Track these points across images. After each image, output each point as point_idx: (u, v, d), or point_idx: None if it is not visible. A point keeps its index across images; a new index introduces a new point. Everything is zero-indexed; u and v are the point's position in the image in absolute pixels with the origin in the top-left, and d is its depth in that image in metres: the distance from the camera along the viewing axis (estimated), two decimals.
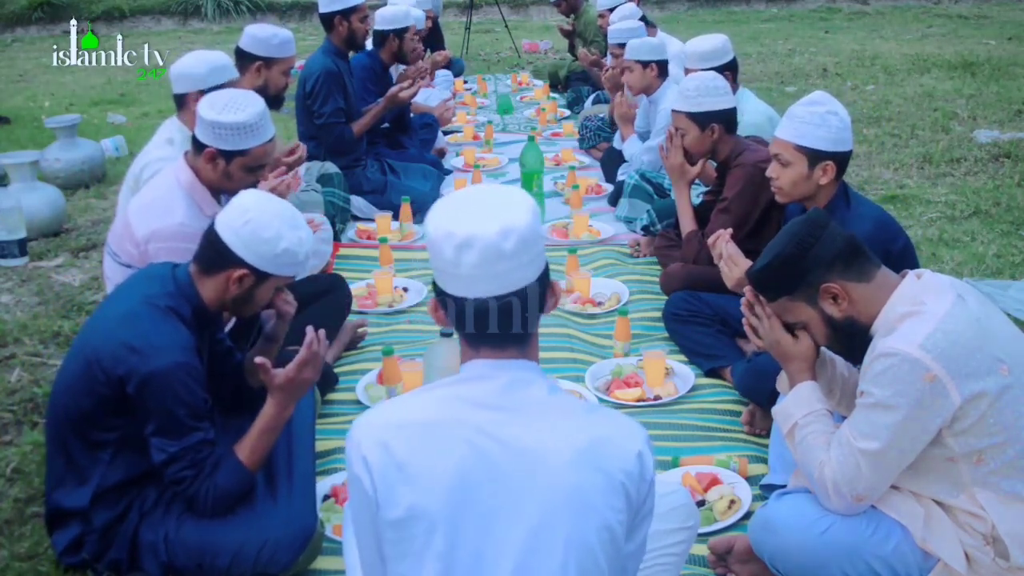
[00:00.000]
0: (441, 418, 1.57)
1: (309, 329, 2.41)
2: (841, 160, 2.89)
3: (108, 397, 2.27)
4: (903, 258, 2.81)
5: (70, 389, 2.34)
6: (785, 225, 2.29)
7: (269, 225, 2.32)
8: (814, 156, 2.87)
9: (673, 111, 3.86)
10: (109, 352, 2.26)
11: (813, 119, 2.86)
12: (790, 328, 2.30)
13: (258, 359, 2.38)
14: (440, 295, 1.62)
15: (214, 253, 2.35)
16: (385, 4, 6.39)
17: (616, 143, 5.44)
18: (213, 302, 2.40)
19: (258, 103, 2.95)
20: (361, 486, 1.56)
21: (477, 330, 1.59)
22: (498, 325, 1.58)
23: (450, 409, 1.57)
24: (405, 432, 1.56)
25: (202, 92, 3.28)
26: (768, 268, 2.23)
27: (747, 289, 2.38)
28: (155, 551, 2.34)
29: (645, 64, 4.90)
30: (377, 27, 5.65)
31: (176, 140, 3.34)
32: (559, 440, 1.55)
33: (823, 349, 2.37)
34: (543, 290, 1.61)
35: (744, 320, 2.40)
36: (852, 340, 2.19)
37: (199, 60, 3.44)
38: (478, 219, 1.54)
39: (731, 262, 2.97)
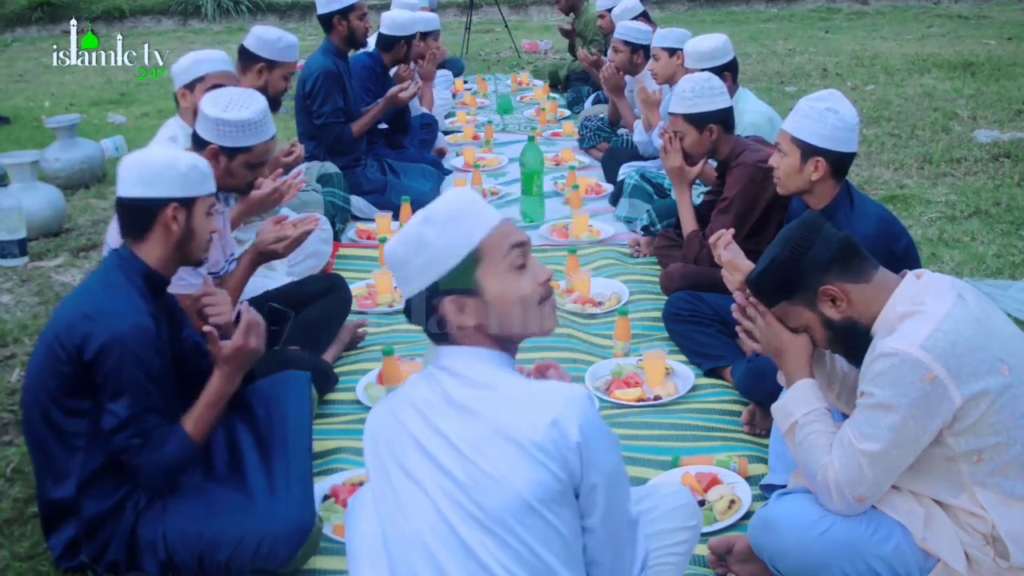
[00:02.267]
0: (406, 397, 1.80)
1: (242, 304, 2.47)
2: (836, 159, 2.89)
3: (70, 375, 2.27)
4: (906, 258, 2.81)
5: (38, 376, 2.35)
6: (779, 234, 2.29)
7: (159, 155, 2.42)
8: (806, 150, 2.90)
9: (670, 114, 3.86)
10: (66, 325, 2.29)
11: (812, 114, 2.89)
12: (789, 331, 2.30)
13: (206, 327, 2.41)
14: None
15: (135, 215, 2.39)
16: (386, 5, 6.41)
17: (638, 135, 5.42)
18: (159, 262, 2.41)
19: (260, 101, 2.97)
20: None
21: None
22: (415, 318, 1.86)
23: (421, 390, 1.79)
24: (384, 406, 1.84)
25: (186, 87, 3.35)
26: (765, 273, 2.23)
27: (737, 294, 2.39)
28: (154, 549, 2.34)
29: (672, 52, 4.87)
30: (385, 31, 5.65)
31: (179, 138, 3.35)
32: (483, 420, 1.67)
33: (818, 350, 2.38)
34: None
35: (738, 327, 2.40)
36: (853, 341, 2.19)
37: (191, 57, 3.45)
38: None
39: (732, 266, 2.96)
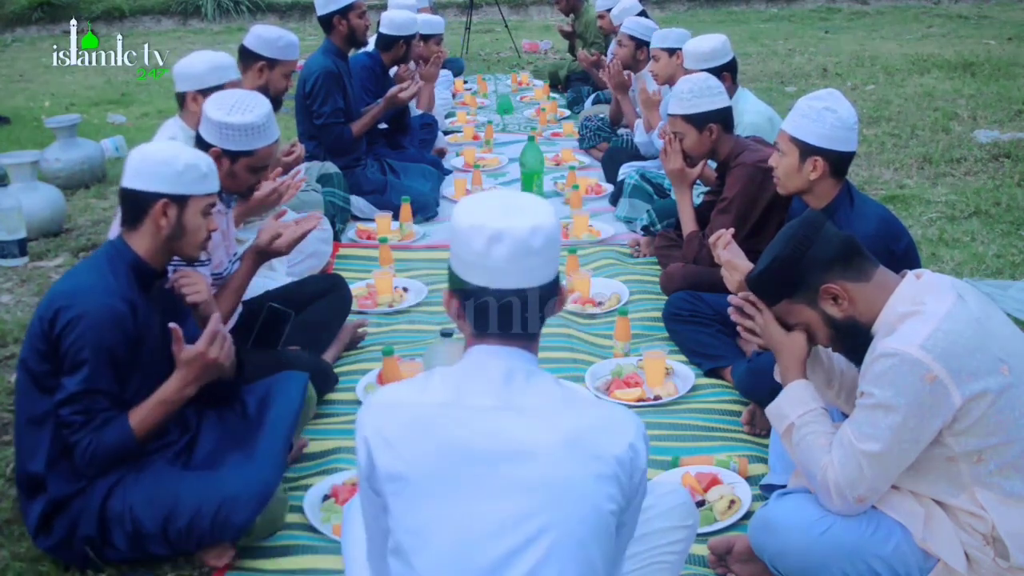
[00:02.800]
0: (438, 400, 1.64)
1: (216, 317, 2.47)
2: (835, 159, 2.89)
3: (43, 352, 2.32)
4: (906, 257, 2.81)
5: (24, 353, 2.41)
6: (780, 232, 2.29)
7: (161, 150, 2.46)
8: (805, 149, 2.90)
9: (669, 115, 3.86)
10: (47, 306, 2.34)
11: (810, 113, 2.89)
12: (789, 329, 2.30)
13: (171, 324, 2.41)
14: (458, 286, 1.67)
15: (130, 204, 2.44)
16: (385, 5, 6.41)
17: (639, 135, 5.42)
18: (149, 253, 2.45)
19: (265, 104, 2.97)
20: (360, 460, 1.66)
21: (483, 319, 1.65)
22: (511, 317, 1.65)
23: (444, 393, 1.64)
24: (398, 412, 1.65)
25: (200, 92, 3.30)
26: (767, 272, 2.23)
27: (731, 298, 2.39)
28: (122, 522, 2.38)
29: (672, 52, 4.87)
30: (385, 31, 5.65)
31: (179, 138, 3.35)
32: (551, 429, 1.59)
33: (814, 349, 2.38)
34: (556, 288, 1.69)
35: (739, 327, 2.40)
36: (854, 340, 2.19)
37: (200, 59, 3.44)
38: (511, 215, 1.62)
39: (731, 266, 2.97)
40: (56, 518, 2.41)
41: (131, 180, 2.43)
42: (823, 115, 2.87)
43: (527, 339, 1.68)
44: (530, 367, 1.67)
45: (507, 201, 1.67)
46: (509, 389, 1.63)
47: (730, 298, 2.41)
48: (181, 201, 2.42)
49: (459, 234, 1.64)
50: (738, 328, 2.41)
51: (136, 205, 2.43)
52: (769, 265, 2.22)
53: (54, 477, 2.38)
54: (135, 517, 2.37)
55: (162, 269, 2.51)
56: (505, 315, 1.64)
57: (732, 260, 2.96)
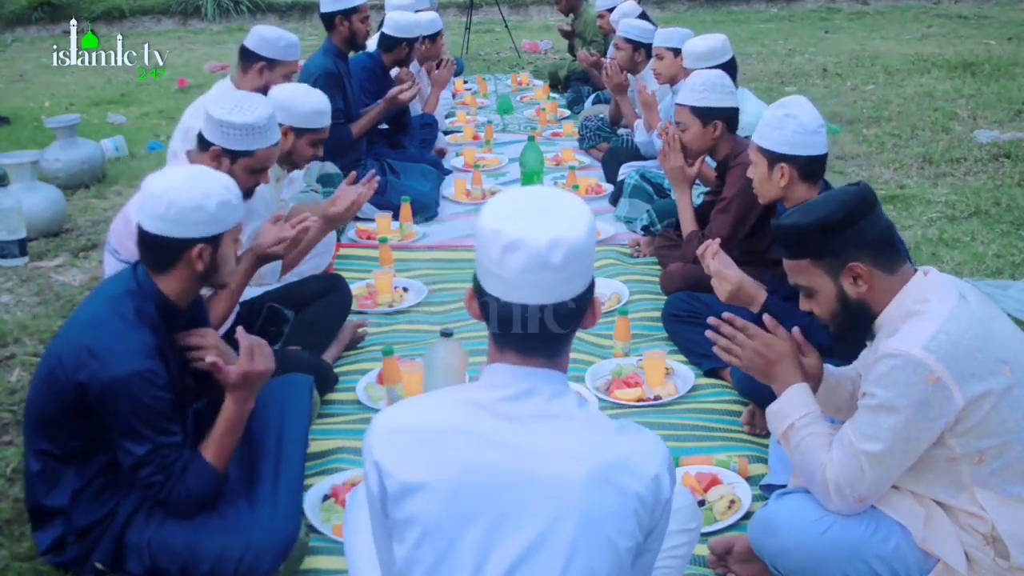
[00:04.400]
0: (451, 425, 1.54)
1: (240, 330, 2.39)
2: (802, 163, 2.91)
3: (71, 401, 2.26)
4: None
5: (39, 392, 2.34)
6: (828, 192, 2.25)
7: (189, 195, 2.28)
8: (771, 157, 2.95)
9: (677, 104, 3.88)
10: (71, 357, 2.25)
11: (772, 121, 2.95)
12: (790, 288, 2.28)
13: (209, 358, 2.34)
14: (479, 289, 1.58)
15: (162, 253, 2.32)
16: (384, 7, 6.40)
17: (639, 135, 5.42)
18: (178, 293, 2.37)
19: (267, 106, 2.98)
20: (371, 486, 1.58)
21: (507, 332, 1.55)
22: (530, 332, 1.54)
23: (462, 416, 1.55)
24: (414, 437, 1.55)
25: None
26: (807, 227, 2.15)
27: (711, 320, 2.37)
28: (139, 554, 2.34)
29: (676, 52, 4.85)
30: (388, 32, 5.64)
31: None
32: (573, 457, 1.51)
33: (827, 374, 2.36)
34: (584, 305, 1.57)
35: (715, 347, 2.37)
36: (855, 322, 2.18)
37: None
38: (532, 223, 1.50)
39: (722, 276, 2.92)
40: (72, 542, 2.37)
41: (158, 225, 2.29)
42: (784, 122, 2.91)
43: (550, 355, 1.57)
44: (554, 387, 1.56)
45: (539, 203, 1.54)
46: (523, 412, 1.53)
47: (710, 319, 2.38)
48: (216, 240, 2.35)
49: (479, 235, 1.53)
50: (714, 349, 2.39)
51: (167, 252, 2.31)
52: (813, 222, 2.14)
53: (78, 507, 2.34)
54: (152, 554, 2.33)
55: (186, 306, 2.43)
56: (516, 324, 1.53)
57: (722, 270, 2.92)
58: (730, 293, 2.87)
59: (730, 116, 3.77)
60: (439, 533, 1.50)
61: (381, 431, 1.59)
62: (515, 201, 1.56)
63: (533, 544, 1.49)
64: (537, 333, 1.54)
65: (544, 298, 1.52)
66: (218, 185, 2.35)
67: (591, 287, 1.58)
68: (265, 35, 4.10)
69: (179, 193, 2.28)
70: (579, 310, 1.56)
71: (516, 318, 1.53)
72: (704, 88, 3.74)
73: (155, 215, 2.29)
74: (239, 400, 2.37)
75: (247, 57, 4.08)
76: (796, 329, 2.36)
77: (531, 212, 1.52)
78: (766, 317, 2.36)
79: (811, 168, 2.93)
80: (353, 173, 3.85)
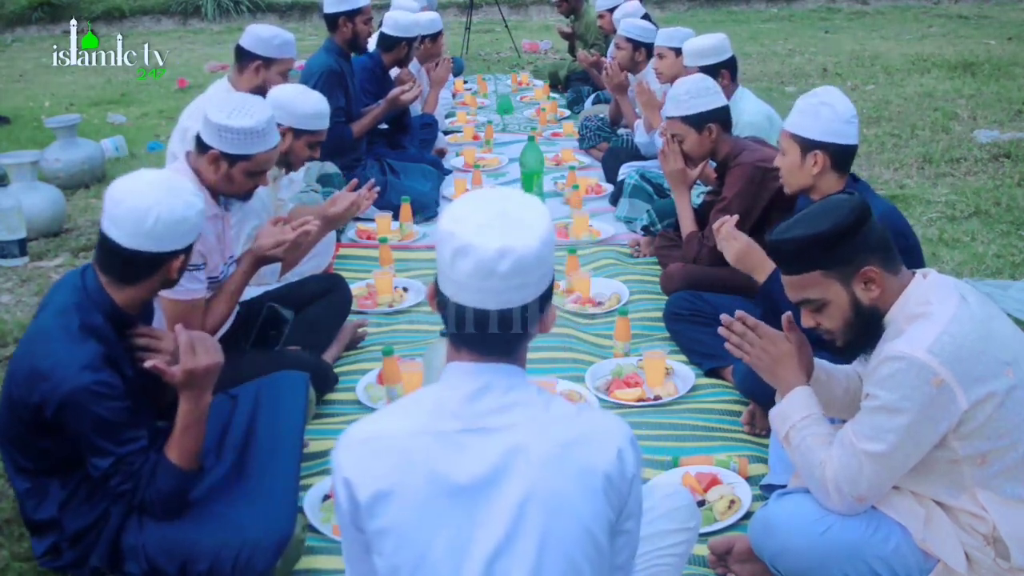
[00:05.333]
0: (413, 429, 1.55)
1: (178, 328, 2.35)
2: (836, 152, 2.90)
3: (32, 422, 2.26)
4: (910, 256, 2.80)
5: (4, 413, 2.34)
6: (823, 202, 2.23)
7: (171, 207, 2.25)
8: (804, 145, 2.92)
9: (668, 118, 3.85)
10: (22, 378, 2.25)
11: (806, 109, 2.93)
12: (796, 303, 2.27)
13: (148, 363, 2.28)
14: (437, 287, 1.61)
15: (140, 267, 2.29)
16: (386, 5, 6.40)
17: (639, 136, 5.42)
18: (134, 302, 2.34)
19: (266, 110, 2.96)
20: (341, 503, 1.58)
21: (461, 332, 1.57)
22: (482, 334, 1.55)
23: (425, 419, 1.56)
24: (378, 445, 1.56)
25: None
26: (817, 237, 2.10)
27: (723, 317, 2.37)
28: (136, 556, 2.35)
29: (678, 52, 4.82)
30: (388, 31, 5.64)
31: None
32: (534, 440, 1.53)
33: (818, 368, 2.36)
34: (534, 314, 1.57)
35: (727, 344, 2.37)
36: (868, 328, 2.16)
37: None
38: (485, 229, 1.50)
39: (732, 236, 3.02)
40: (67, 547, 2.38)
41: (143, 243, 2.24)
42: (819, 110, 2.90)
43: (504, 353, 1.58)
44: (510, 380, 1.57)
45: (498, 208, 1.53)
46: (481, 408, 1.54)
47: (723, 317, 2.38)
48: (188, 251, 2.36)
49: (437, 233, 1.56)
50: (726, 345, 2.39)
51: (146, 266, 2.28)
52: (824, 231, 2.10)
53: (68, 515, 2.35)
54: (149, 555, 2.34)
55: (137, 313, 2.39)
56: (467, 324, 1.55)
57: (733, 230, 3.00)
58: (738, 251, 2.93)
59: (722, 116, 3.77)
60: (414, 537, 1.51)
61: (346, 445, 1.59)
62: (476, 204, 1.56)
63: (505, 536, 1.50)
64: (492, 334, 1.55)
65: (492, 303, 1.52)
66: (189, 193, 2.34)
67: (546, 295, 1.58)
68: (260, 34, 4.09)
69: (163, 208, 2.24)
70: (528, 319, 1.56)
71: (469, 319, 1.54)
72: (689, 95, 3.73)
73: (139, 232, 2.24)
74: (190, 399, 2.33)
75: (243, 56, 4.08)
76: (788, 314, 2.35)
77: (489, 217, 1.52)
78: (784, 317, 2.35)
79: (843, 157, 2.93)
80: (355, 181, 3.86)
